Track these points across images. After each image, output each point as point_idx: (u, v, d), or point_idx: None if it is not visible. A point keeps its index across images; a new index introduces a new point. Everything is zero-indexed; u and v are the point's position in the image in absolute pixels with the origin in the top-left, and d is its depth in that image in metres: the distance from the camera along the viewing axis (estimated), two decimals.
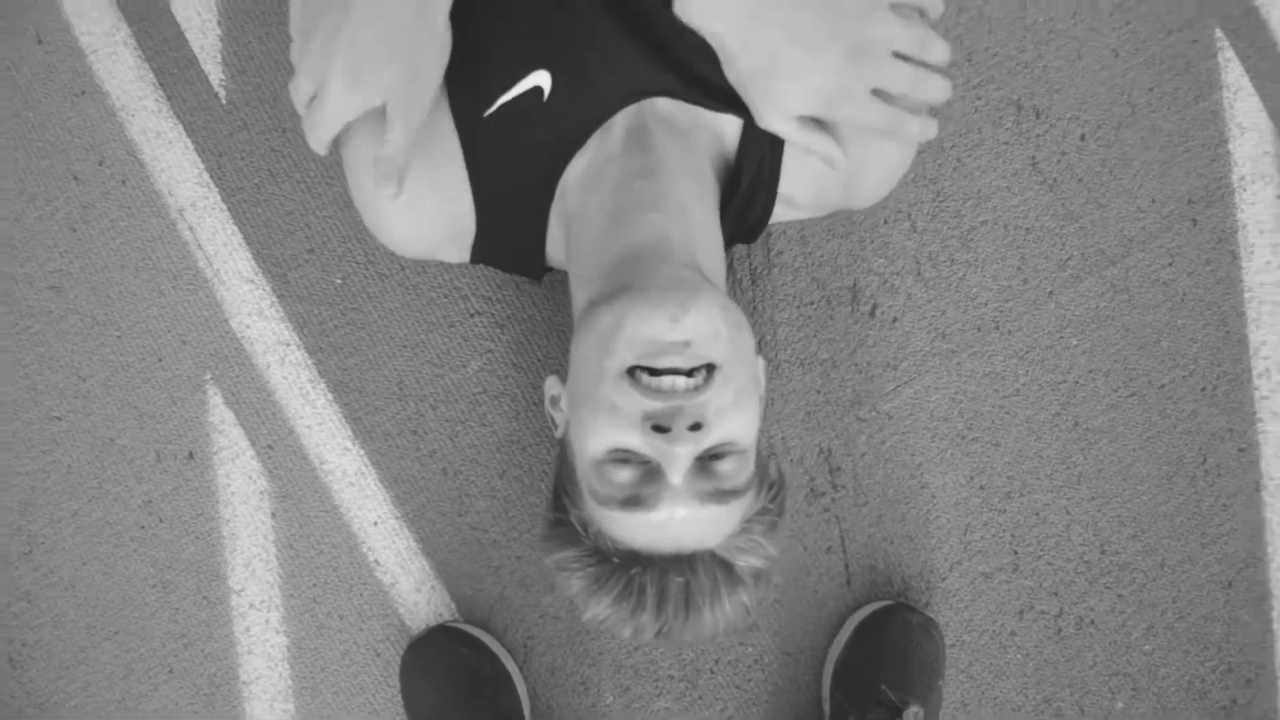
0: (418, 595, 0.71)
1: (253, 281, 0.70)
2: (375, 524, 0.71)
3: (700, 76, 0.49)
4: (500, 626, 0.70)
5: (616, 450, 0.44)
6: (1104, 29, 0.72)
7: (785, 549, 0.59)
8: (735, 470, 0.45)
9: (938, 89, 0.45)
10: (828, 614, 0.71)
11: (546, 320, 0.72)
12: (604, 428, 0.44)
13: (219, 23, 0.71)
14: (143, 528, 0.70)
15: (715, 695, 0.71)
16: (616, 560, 0.46)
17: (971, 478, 0.71)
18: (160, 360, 0.70)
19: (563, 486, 0.50)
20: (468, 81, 0.50)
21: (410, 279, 0.71)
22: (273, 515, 0.70)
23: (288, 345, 0.70)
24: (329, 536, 0.70)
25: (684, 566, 0.46)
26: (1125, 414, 0.72)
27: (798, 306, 0.71)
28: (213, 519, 0.70)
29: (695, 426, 0.42)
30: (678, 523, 0.45)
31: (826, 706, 0.69)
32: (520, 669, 0.69)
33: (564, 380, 0.50)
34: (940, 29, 0.70)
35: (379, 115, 0.45)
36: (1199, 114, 0.72)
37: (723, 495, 0.44)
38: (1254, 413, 0.72)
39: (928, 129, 0.47)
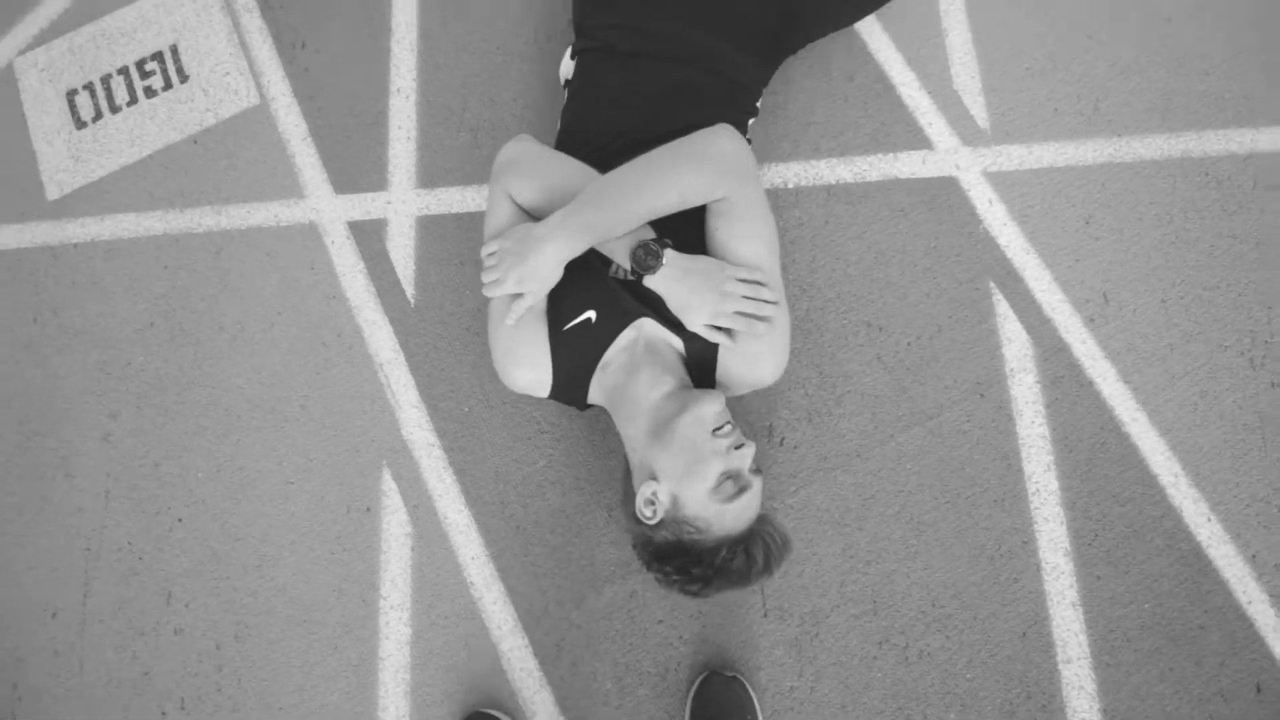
0: (494, 606, 1.11)
1: (418, 407, 1.19)
2: (473, 559, 1.12)
3: (661, 313, 0.99)
4: (543, 631, 1.09)
5: (724, 471, 0.88)
6: (918, 273, 1.20)
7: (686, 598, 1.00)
8: (754, 461, 0.91)
9: (769, 307, 0.94)
10: (744, 632, 1.08)
11: (585, 440, 1.17)
12: (715, 464, 0.88)
13: (415, 261, 1.25)
14: (332, 554, 1.13)
15: (677, 687, 1.07)
16: (734, 541, 0.87)
17: (844, 549, 1.11)
18: (357, 451, 1.18)
19: (673, 546, 0.89)
20: (555, 309, 0.99)
21: (507, 411, 1.18)
22: (412, 550, 1.13)
23: (433, 445, 1.17)
24: (445, 565, 1.13)
25: (763, 520, 0.91)
26: (945, 514, 1.11)
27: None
28: (375, 551, 1.13)
29: (739, 446, 0.89)
30: (754, 496, 0.89)
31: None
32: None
33: (656, 479, 0.90)
34: (806, 270, 1.19)
35: (512, 298, 0.96)
36: (982, 331, 1.19)
37: (760, 471, 0.91)
38: (1030, 519, 1.11)
39: (765, 324, 0.94)
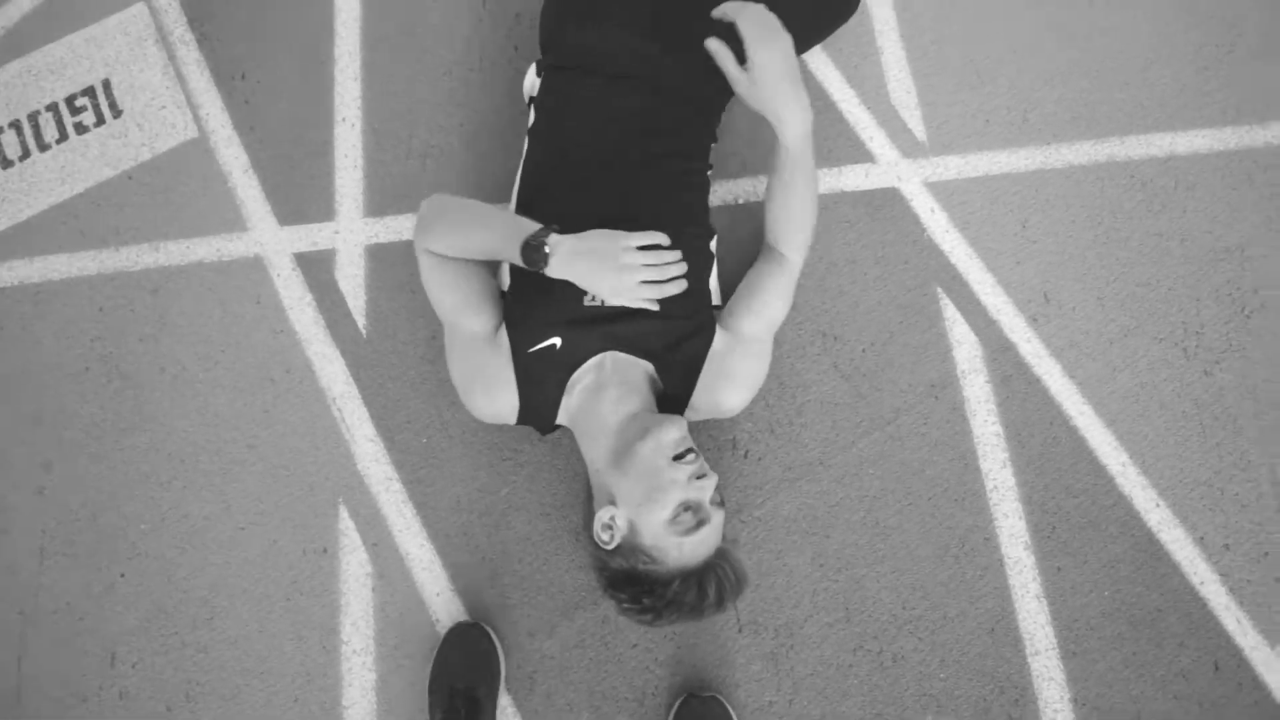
0: None
1: (374, 440, 1.16)
2: (438, 594, 1.10)
3: (632, 343, 0.98)
4: (515, 664, 1.06)
5: (684, 501, 0.85)
6: (868, 282, 1.23)
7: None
8: (717, 493, 0.89)
9: (676, 267, 0.91)
10: (719, 650, 1.07)
11: (548, 464, 1.15)
12: (674, 493, 0.85)
13: (365, 290, 1.22)
14: (288, 599, 1.09)
15: (656, 712, 1.05)
16: (688, 574, 0.84)
17: (814, 558, 1.11)
18: (311, 490, 1.14)
19: (626, 573, 0.87)
20: (519, 331, 0.97)
21: (467, 439, 1.16)
22: (373, 590, 1.09)
23: (391, 479, 1.14)
24: (409, 603, 1.09)
25: (722, 553, 0.88)
26: (908, 516, 1.13)
27: (699, 450, 1.13)
28: (334, 594, 1.09)
29: (701, 476, 0.86)
30: (713, 529, 0.86)
31: None
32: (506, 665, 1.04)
33: (614, 504, 0.87)
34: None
35: (475, 335, 0.96)
36: (933, 335, 1.22)
37: (722, 504, 0.89)
38: (990, 515, 1.14)
39: (677, 284, 0.91)
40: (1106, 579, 1.11)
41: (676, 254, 0.92)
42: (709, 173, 1.12)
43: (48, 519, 1.13)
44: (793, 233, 1.04)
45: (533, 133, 1.10)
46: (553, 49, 1.12)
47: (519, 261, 0.91)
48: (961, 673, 1.08)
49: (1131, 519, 1.14)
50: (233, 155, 1.29)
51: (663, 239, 0.92)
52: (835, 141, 1.29)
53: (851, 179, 1.28)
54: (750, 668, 1.07)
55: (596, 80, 1.05)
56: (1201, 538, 1.13)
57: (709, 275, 1.06)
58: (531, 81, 1.15)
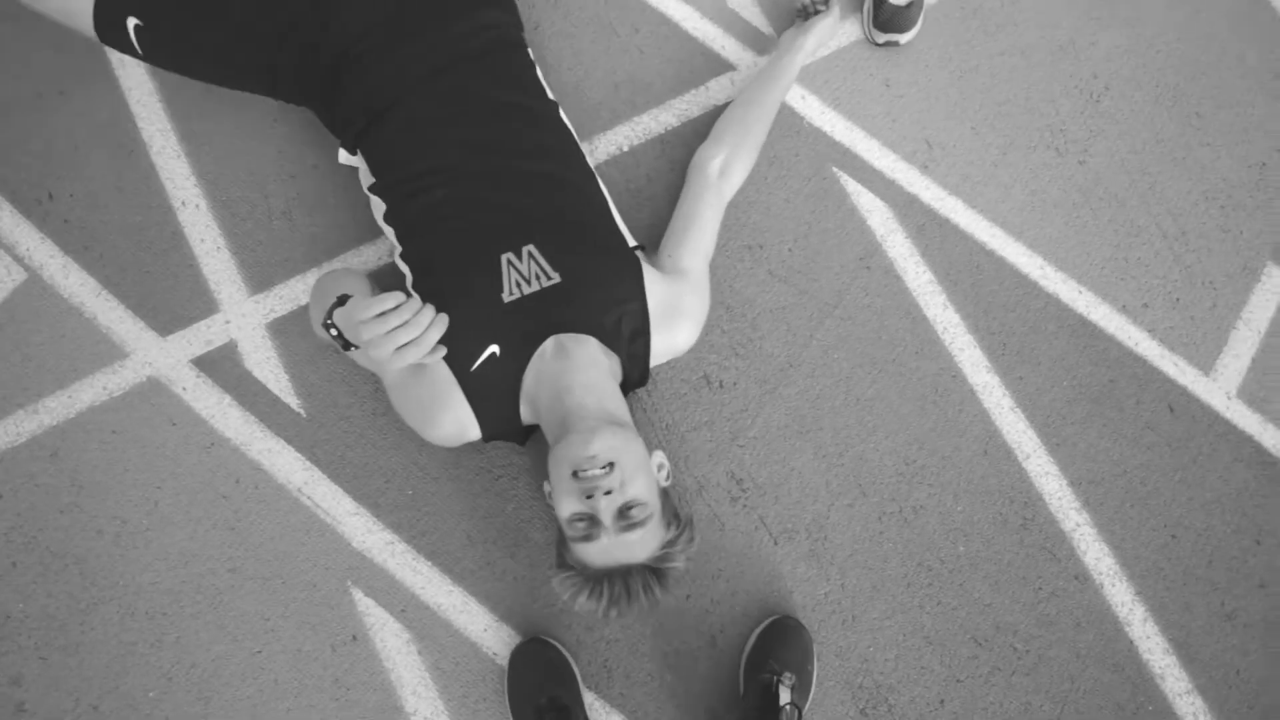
0: None
1: (357, 514, 1.10)
2: (485, 630, 1.08)
3: (568, 319, 0.97)
4: (585, 661, 1.07)
5: (574, 513, 0.86)
6: (770, 185, 1.25)
7: (714, 539, 1.02)
8: (639, 513, 0.87)
9: (436, 327, 0.83)
10: (764, 567, 1.11)
11: (541, 468, 1.13)
12: (567, 502, 0.86)
13: (285, 370, 1.14)
14: (336, 699, 1.04)
15: (731, 645, 1.08)
16: (588, 575, 0.88)
17: (815, 452, 1.17)
18: (315, 587, 1.08)
19: (560, 543, 0.92)
20: (455, 356, 0.94)
21: (452, 474, 1.12)
22: (419, 653, 1.06)
23: (392, 543, 1.10)
24: (460, 650, 1.07)
25: (622, 572, 0.88)
26: (882, 382, 1.20)
27: (677, 399, 1.17)
28: (381, 673, 1.05)
29: (608, 492, 0.85)
30: (612, 545, 0.87)
31: (741, 676, 1.05)
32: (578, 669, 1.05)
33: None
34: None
35: (411, 370, 0.94)
36: (844, 212, 1.26)
37: (633, 527, 0.87)
38: (949, 354, 1.22)
39: (439, 329, 0.84)
40: (1061, 371, 1.22)
41: (417, 304, 0.83)
42: (559, 109, 1.09)
43: None
44: (750, 146, 1.15)
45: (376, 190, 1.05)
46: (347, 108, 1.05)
47: (335, 344, 0.91)
48: (974, 498, 1.17)
49: (1063, 311, 1.24)
50: (77, 283, 1.16)
51: (398, 298, 0.82)
52: (692, 60, 1.29)
53: (720, 92, 1.28)
54: (796, 571, 1.12)
55: (404, 107, 1.01)
56: (1123, 306, 1.25)
57: (611, 216, 1.05)
58: (347, 157, 1.11)
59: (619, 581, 0.87)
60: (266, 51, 1.04)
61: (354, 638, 1.07)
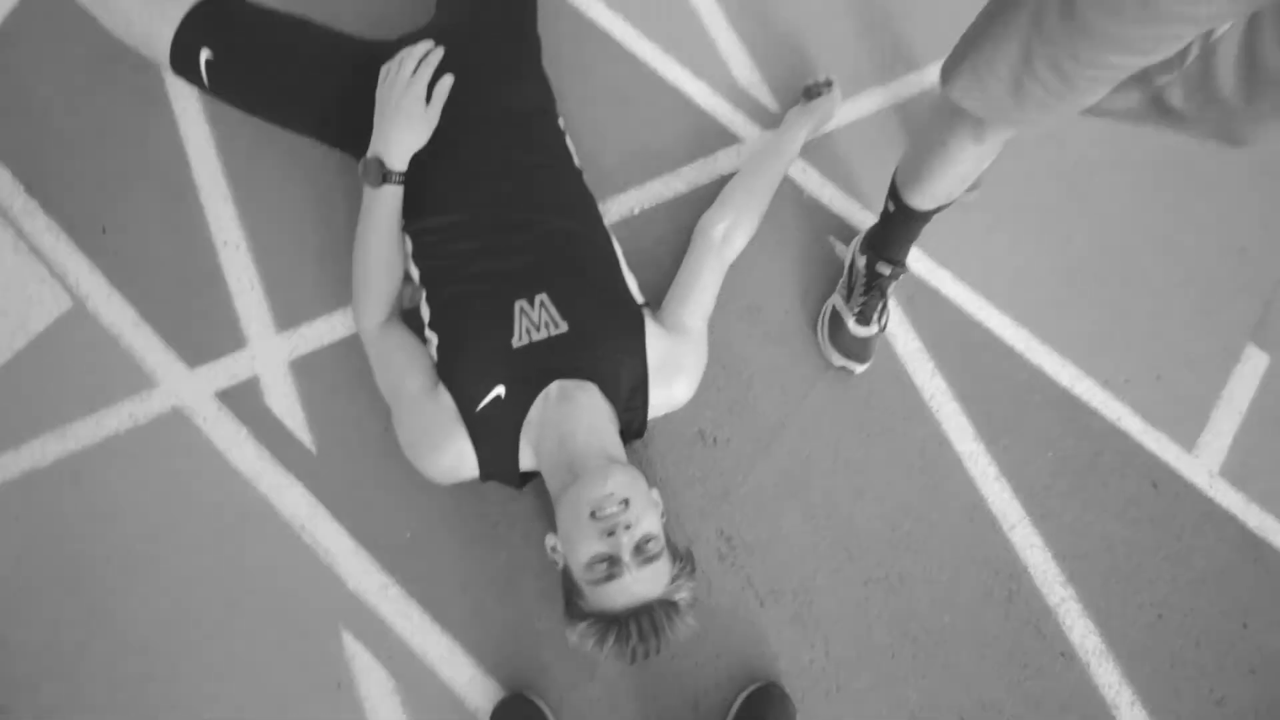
0: None
1: (355, 554, 0.86)
2: (470, 680, 0.83)
3: (574, 367, 0.76)
4: (567, 719, 0.81)
5: (596, 555, 0.65)
6: (774, 254, 1.00)
7: (701, 597, 0.77)
8: (654, 546, 0.67)
9: (429, 52, 0.82)
10: (750, 629, 0.85)
11: (536, 515, 0.89)
12: (588, 545, 0.65)
13: (302, 407, 0.91)
14: None
15: (714, 709, 0.82)
16: (609, 619, 0.65)
17: (803, 514, 0.91)
18: (307, 629, 0.84)
19: (570, 592, 0.70)
20: (462, 394, 0.75)
21: (450, 520, 0.88)
22: (403, 704, 0.81)
23: (386, 586, 0.85)
24: (442, 701, 0.82)
25: (645, 609, 0.66)
26: (869, 446, 0.94)
27: (671, 452, 0.92)
28: None
29: (627, 527, 0.64)
30: (634, 581, 0.65)
31: None
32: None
33: (556, 532, 0.71)
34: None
35: (415, 395, 0.75)
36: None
37: (650, 560, 0.66)
38: (936, 420, 0.96)
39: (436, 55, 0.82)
40: (1045, 442, 0.96)
41: (429, 43, 0.83)
42: (583, 175, 0.90)
43: None
44: (753, 214, 0.94)
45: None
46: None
47: (374, 185, 0.79)
48: (959, 567, 0.91)
49: (1047, 384, 0.98)
50: (117, 313, 0.94)
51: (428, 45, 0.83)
52: (702, 132, 1.05)
53: (727, 162, 1.04)
54: (781, 636, 0.86)
55: (445, 159, 0.83)
56: (1106, 380, 0.99)
57: (620, 273, 0.84)
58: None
59: (644, 617, 0.65)
60: (323, 99, 0.88)
61: (339, 685, 0.82)
